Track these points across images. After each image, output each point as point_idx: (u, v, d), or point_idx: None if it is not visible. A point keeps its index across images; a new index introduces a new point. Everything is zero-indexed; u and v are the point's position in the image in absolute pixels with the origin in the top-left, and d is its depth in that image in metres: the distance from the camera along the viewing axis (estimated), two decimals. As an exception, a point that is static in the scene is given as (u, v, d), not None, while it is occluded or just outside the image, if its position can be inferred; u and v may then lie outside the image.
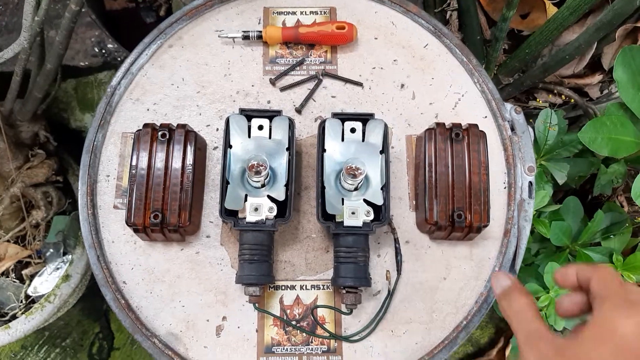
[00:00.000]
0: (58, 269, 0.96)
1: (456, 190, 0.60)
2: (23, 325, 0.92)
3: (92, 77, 1.19)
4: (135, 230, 0.57)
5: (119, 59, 1.29)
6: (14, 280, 0.96)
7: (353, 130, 0.61)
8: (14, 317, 0.94)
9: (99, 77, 1.19)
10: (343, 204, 0.58)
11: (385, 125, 0.61)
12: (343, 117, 0.62)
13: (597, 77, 1.06)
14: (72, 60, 1.35)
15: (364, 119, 0.62)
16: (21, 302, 0.95)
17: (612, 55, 1.03)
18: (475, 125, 0.62)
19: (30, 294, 0.96)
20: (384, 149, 0.61)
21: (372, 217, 0.58)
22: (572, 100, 0.99)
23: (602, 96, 1.07)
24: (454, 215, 0.59)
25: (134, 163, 0.57)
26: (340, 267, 0.59)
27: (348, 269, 0.58)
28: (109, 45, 1.33)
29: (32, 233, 0.97)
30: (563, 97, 1.02)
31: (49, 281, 0.96)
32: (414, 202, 0.65)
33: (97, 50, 1.36)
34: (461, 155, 0.61)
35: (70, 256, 0.96)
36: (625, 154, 0.78)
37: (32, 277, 0.97)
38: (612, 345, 0.35)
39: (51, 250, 0.96)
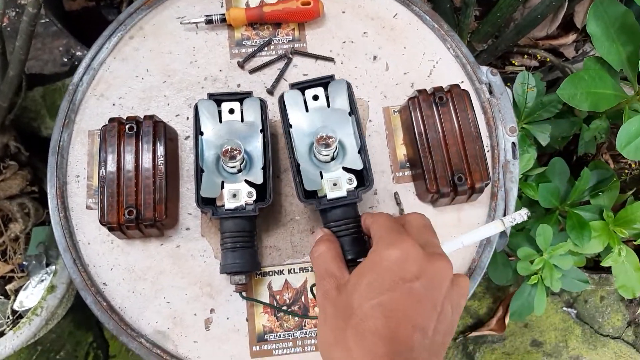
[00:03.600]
0: (42, 280, 0.93)
1: (451, 154, 0.58)
2: (12, 342, 0.90)
3: (59, 84, 1.16)
4: (110, 229, 0.55)
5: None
6: (-2, 296, 0.93)
7: (316, 97, 0.58)
8: (2, 333, 0.92)
9: (66, 83, 1.16)
10: (322, 178, 0.55)
11: (349, 84, 0.58)
12: (302, 86, 0.58)
13: (571, 37, 1.06)
14: (41, 71, 1.31)
15: (325, 82, 0.58)
16: (8, 318, 0.93)
17: (584, 14, 1.02)
18: (457, 85, 0.61)
19: (17, 309, 0.93)
20: (352, 110, 0.57)
21: (355, 184, 0.54)
22: (548, 60, 0.98)
23: (578, 55, 1.07)
24: (455, 179, 0.58)
25: (102, 160, 0.55)
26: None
27: (344, 243, 0.53)
28: (78, 53, 1.30)
29: (12, 247, 0.94)
30: (539, 56, 1.01)
31: (35, 294, 0.93)
32: (404, 174, 0.64)
33: (65, 59, 1.32)
34: (449, 117, 0.59)
35: (53, 267, 0.94)
36: (606, 107, 0.77)
37: (16, 291, 0.94)
38: (378, 270, 0.42)
39: (33, 262, 0.94)
